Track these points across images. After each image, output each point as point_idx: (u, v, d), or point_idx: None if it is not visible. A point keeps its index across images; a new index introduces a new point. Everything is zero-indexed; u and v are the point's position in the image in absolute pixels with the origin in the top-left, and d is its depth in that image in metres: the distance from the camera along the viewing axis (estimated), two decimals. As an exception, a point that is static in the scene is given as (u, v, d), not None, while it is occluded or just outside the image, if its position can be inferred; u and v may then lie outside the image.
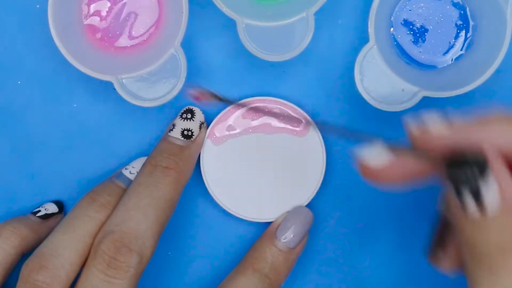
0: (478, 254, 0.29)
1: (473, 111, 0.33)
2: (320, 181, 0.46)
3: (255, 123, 0.47)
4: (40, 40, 0.47)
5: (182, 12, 0.43)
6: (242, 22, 0.43)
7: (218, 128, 0.46)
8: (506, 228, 0.29)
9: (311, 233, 0.48)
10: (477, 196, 0.29)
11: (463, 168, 0.29)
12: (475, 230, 0.29)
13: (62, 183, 0.48)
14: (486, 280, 0.29)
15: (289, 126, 0.46)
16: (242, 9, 0.43)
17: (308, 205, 0.46)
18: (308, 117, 0.42)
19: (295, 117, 0.42)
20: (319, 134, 0.46)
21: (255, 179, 0.47)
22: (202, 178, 0.47)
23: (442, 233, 0.36)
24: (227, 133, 0.46)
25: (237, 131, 0.46)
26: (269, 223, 0.47)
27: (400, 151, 0.32)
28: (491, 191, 0.29)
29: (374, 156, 0.32)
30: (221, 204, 0.47)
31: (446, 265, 0.36)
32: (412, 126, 0.33)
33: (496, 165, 0.29)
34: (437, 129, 0.32)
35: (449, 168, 0.29)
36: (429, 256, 0.38)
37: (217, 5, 0.43)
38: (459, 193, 0.29)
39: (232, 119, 0.46)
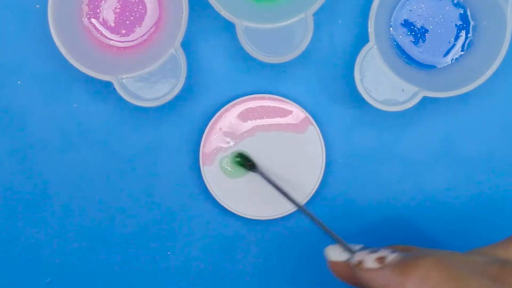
0: None
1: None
2: (320, 178, 0.46)
3: (252, 124, 0.47)
4: (40, 40, 0.47)
5: (182, 12, 0.43)
6: (241, 25, 0.43)
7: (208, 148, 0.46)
8: None
9: (310, 232, 0.48)
10: None
11: None
12: None
13: (62, 183, 0.48)
14: None
15: (288, 123, 0.46)
16: (241, 12, 0.43)
17: (307, 202, 0.46)
18: (301, 205, 0.43)
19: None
20: (318, 131, 0.46)
21: (254, 176, 0.47)
22: (202, 177, 0.47)
23: None
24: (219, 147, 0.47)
25: (231, 144, 0.46)
26: (269, 221, 0.47)
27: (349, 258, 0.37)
28: None
29: (334, 254, 0.38)
30: (220, 202, 0.47)
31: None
32: (332, 257, 0.39)
33: None
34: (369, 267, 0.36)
35: None
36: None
37: (215, 8, 0.43)
38: None
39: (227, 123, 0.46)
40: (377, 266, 0.35)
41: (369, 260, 0.36)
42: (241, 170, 0.46)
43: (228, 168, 0.46)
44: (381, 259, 0.36)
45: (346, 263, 0.38)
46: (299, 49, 0.43)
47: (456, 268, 0.33)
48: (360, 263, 0.36)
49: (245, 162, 0.46)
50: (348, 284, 0.39)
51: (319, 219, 0.41)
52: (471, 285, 0.32)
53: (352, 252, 0.38)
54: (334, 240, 0.39)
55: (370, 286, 0.36)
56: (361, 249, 0.37)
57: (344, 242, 0.38)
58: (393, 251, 0.36)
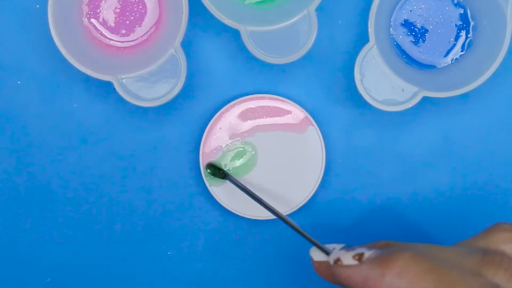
0: None
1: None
2: (320, 178, 0.46)
3: (252, 124, 0.47)
4: (40, 40, 0.47)
5: (182, 12, 0.43)
6: (246, 30, 0.43)
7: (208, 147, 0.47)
8: None
9: (310, 232, 0.48)
10: None
11: None
12: None
13: (62, 183, 0.48)
14: None
15: (288, 123, 0.46)
16: (244, 17, 0.43)
17: (307, 202, 0.46)
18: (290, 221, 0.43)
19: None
20: (318, 131, 0.46)
21: (254, 176, 0.47)
22: (202, 177, 0.47)
23: None
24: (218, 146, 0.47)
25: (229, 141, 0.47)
26: (269, 221, 0.47)
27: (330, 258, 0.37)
28: None
29: (317, 254, 0.38)
30: (220, 202, 0.47)
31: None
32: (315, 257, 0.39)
33: None
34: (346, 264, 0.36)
35: None
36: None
37: (217, 17, 0.43)
38: None
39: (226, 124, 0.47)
40: (354, 263, 0.35)
41: (347, 258, 0.36)
42: (216, 179, 0.46)
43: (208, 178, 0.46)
44: (359, 256, 0.35)
45: (328, 262, 0.37)
46: (306, 46, 0.43)
47: (436, 260, 0.33)
48: (338, 260, 0.36)
49: (217, 172, 0.46)
50: (334, 284, 0.38)
51: (295, 224, 0.41)
52: (451, 276, 0.32)
53: (329, 252, 0.37)
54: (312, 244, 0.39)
55: (348, 284, 0.36)
56: (341, 249, 0.37)
57: (319, 244, 0.38)
58: (370, 249, 0.36)
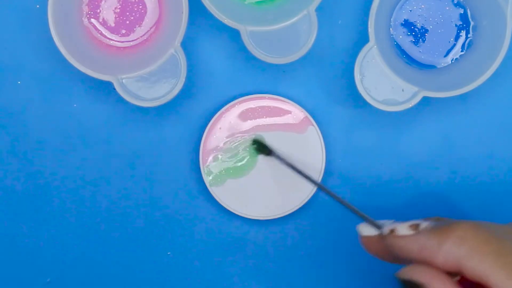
0: None
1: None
2: (320, 178, 0.46)
3: (252, 124, 0.47)
4: (40, 40, 0.47)
5: (182, 12, 0.43)
6: (246, 30, 0.43)
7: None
8: None
9: (310, 232, 0.48)
10: None
11: None
12: None
13: (62, 183, 0.48)
14: None
15: (288, 123, 0.46)
16: (244, 17, 0.43)
17: (307, 202, 0.46)
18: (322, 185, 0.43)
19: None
20: (318, 131, 0.46)
21: (254, 176, 0.47)
22: (202, 177, 0.47)
23: None
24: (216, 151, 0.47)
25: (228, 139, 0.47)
26: (269, 221, 0.47)
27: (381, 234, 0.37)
28: None
29: (366, 229, 0.38)
30: (220, 202, 0.47)
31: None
32: (364, 231, 0.38)
33: (435, 285, 0.33)
34: (402, 234, 0.36)
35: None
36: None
37: (217, 17, 0.43)
38: None
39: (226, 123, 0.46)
40: (411, 232, 0.35)
41: (402, 228, 0.35)
42: (216, 179, 0.46)
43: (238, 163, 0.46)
44: (415, 226, 0.35)
45: (378, 236, 0.37)
46: (306, 46, 0.43)
47: (494, 232, 0.33)
48: (392, 231, 0.36)
49: (262, 148, 0.46)
50: (381, 260, 0.38)
51: (343, 199, 0.40)
52: (510, 247, 0.32)
53: (379, 226, 0.37)
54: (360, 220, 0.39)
55: (402, 255, 0.35)
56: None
57: (370, 218, 0.38)
58: (426, 220, 0.35)
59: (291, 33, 0.43)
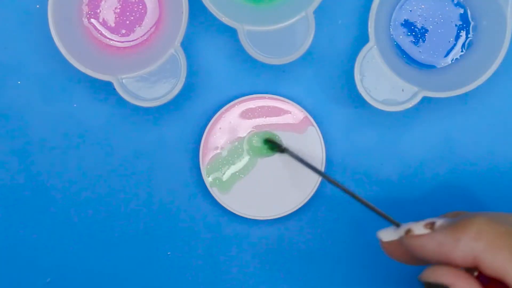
0: None
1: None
2: (320, 178, 0.46)
3: (252, 124, 0.47)
4: (40, 40, 0.47)
5: (182, 12, 0.43)
6: (243, 29, 0.43)
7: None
8: None
9: (310, 232, 0.48)
10: None
11: None
12: None
13: (62, 183, 0.48)
14: None
15: (288, 123, 0.46)
16: (241, 16, 0.43)
17: (307, 202, 0.46)
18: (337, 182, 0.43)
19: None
20: (318, 131, 0.46)
21: (254, 176, 0.47)
22: (202, 177, 0.47)
23: None
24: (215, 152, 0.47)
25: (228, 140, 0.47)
26: (269, 221, 0.47)
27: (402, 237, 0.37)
28: None
29: (386, 235, 0.38)
30: (220, 202, 0.47)
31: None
32: (387, 234, 0.38)
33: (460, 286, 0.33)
34: (420, 236, 0.35)
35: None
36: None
37: (215, 15, 0.43)
38: None
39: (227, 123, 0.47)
40: (427, 231, 0.35)
41: (418, 227, 0.35)
42: (217, 181, 0.46)
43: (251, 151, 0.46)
44: (430, 224, 0.35)
45: (398, 241, 0.37)
46: (303, 48, 0.43)
47: (510, 224, 0.33)
48: (409, 231, 0.36)
49: (275, 146, 0.46)
50: (404, 264, 0.38)
51: (364, 199, 0.40)
52: None
53: (398, 225, 0.37)
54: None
55: (421, 255, 0.35)
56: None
57: (389, 217, 0.38)
58: (440, 217, 0.35)
59: (288, 34, 0.43)
